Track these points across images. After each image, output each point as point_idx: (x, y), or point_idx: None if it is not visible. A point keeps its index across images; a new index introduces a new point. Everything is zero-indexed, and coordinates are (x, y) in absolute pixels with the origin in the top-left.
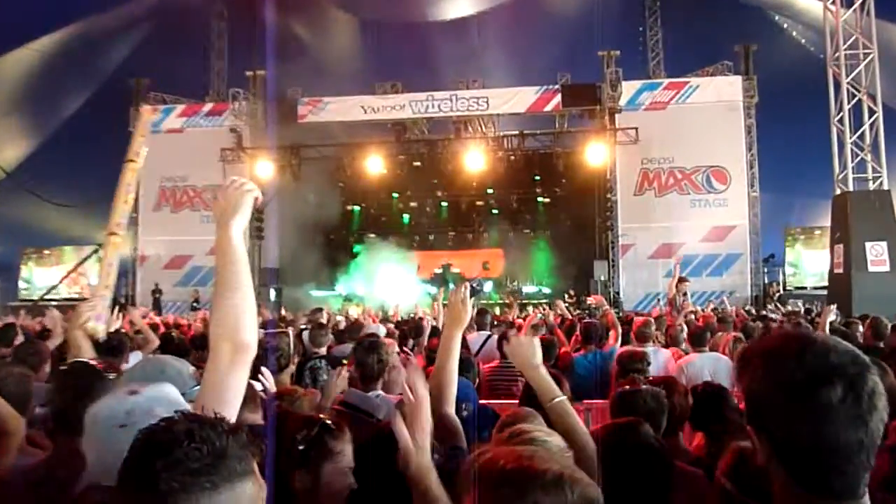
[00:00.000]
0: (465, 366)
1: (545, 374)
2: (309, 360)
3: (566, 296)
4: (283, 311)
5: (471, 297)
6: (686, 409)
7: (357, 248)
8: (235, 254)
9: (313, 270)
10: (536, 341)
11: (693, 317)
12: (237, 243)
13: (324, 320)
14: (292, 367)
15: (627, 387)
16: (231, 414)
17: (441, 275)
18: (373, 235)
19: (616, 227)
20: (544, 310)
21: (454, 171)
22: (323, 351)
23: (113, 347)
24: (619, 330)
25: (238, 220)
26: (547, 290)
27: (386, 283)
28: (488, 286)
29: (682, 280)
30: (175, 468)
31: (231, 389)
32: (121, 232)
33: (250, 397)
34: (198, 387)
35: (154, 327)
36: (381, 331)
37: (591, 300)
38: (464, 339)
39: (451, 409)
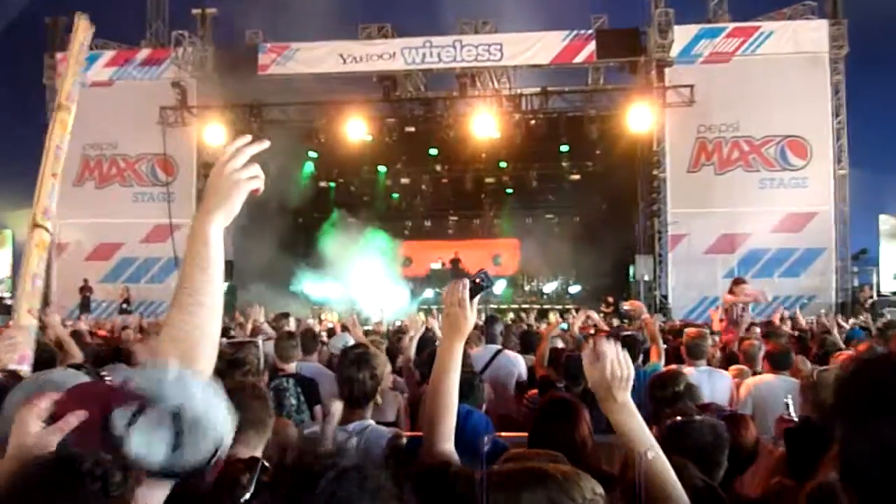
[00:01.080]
0: (467, 388)
1: (634, 410)
2: (273, 380)
3: (603, 304)
4: (237, 317)
5: (473, 296)
6: (754, 449)
7: (330, 235)
8: (210, 258)
9: (274, 265)
10: (621, 357)
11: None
12: (215, 244)
13: (291, 327)
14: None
15: (679, 417)
16: None
17: (440, 272)
18: (352, 220)
19: (664, 212)
20: (571, 317)
21: (458, 138)
22: (291, 367)
23: (42, 363)
24: (661, 344)
25: (222, 215)
26: (574, 289)
27: (367, 282)
28: (500, 286)
29: (738, 282)
30: None
31: None
32: (48, 224)
33: (256, 422)
34: None
35: (77, 336)
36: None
37: (627, 305)
38: (465, 354)
39: (449, 444)
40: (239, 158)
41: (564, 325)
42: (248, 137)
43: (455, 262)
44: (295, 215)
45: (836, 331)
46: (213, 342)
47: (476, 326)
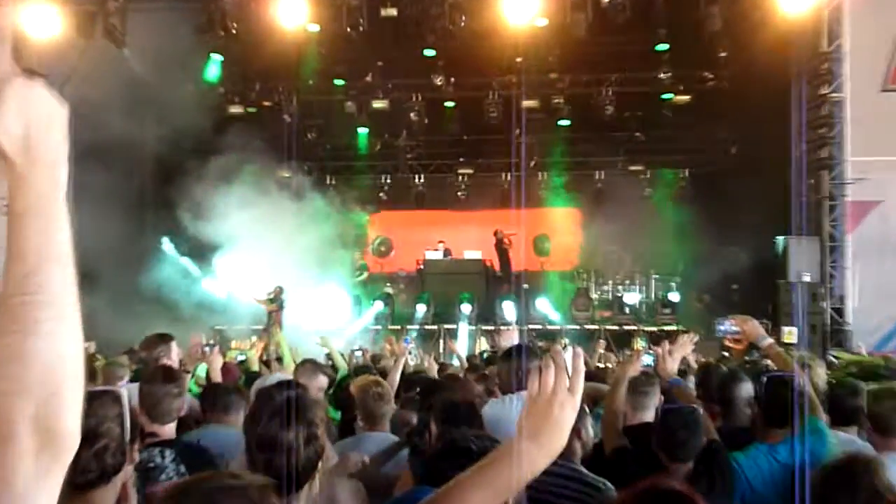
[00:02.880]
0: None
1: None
2: (143, 450)
3: (726, 326)
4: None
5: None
6: None
7: (244, 201)
8: (60, 225)
9: (141, 250)
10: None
11: None
12: (53, 202)
13: (172, 361)
14: (127, 471)
15: None
16: None
17: (441, 268)
18: (284, 175)
19: (840, 163)
20: (666, 346)
21: (473, 30)
22: (169, 430)
23: None
24: (809, 389)
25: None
26: (675, 297)
27: (305, 284)
28: (544, 304)
29: None
30: None
31: None
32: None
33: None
34: None
35: None
36: (320, 383)
37: (727, 323)
38: (472, 406)
39: None
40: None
41: (649, 359)
42: None
43: (501, 240)
44: (183, 164)
45: None
46: (79, 376)
47: (495, 359)
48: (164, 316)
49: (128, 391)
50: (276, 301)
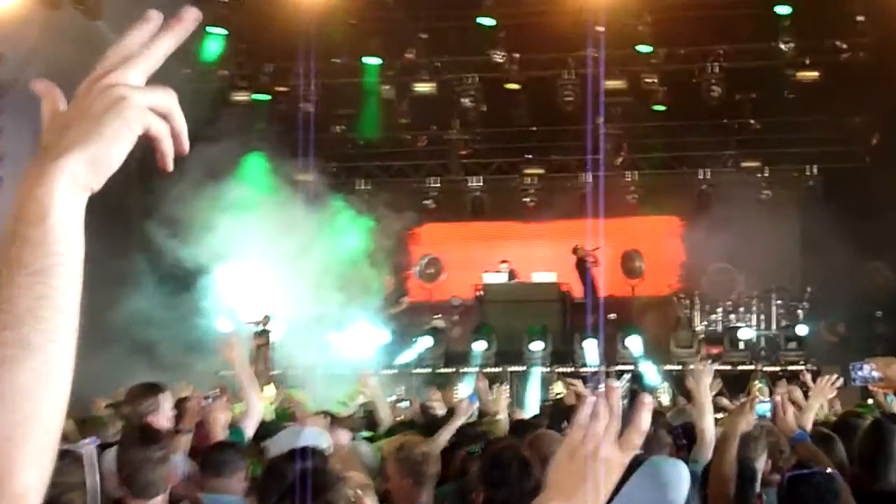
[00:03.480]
0: None
1: None
2: None
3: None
4: None
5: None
6: None
7: (253, 208)
8: (57, 251)
9: (125, 270)
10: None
11: None
12: (68, 224)
13: (163, 417)
14: None
15: None
16: None
17: (506, 294)
18: (304, 176)
19: None
20: (795, 387)
21: None
22: None
23: None
24: None
25: (84, 164)
26: (803, 330)
27: (327, 316)
28: (635, 339)
29: None
30: None
31: None
32: None
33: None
34: None
35: None
36: (324, 441)
37: (866, 367)
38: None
39: None
40: (141, 61)
41: (766, 407)
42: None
43: (581, 264)
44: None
45: None
46: (50, 428)
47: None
48: (145, 357)
49: (91, 452)
50: (263, 333)
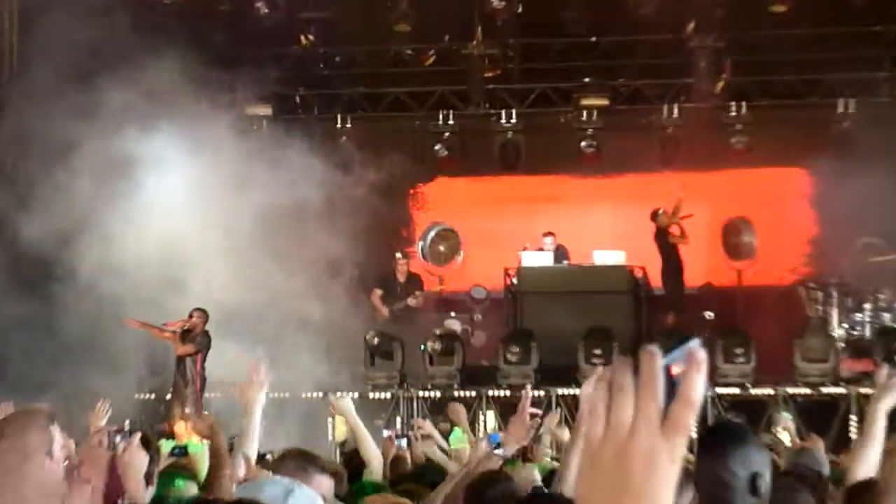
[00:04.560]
0: None
1: None
2: None
3: None
4: None
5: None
6: None
7: (168, 149)
8: None
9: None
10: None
11: None
12: None
13: (52, 460)
14: None
15: None
16: None
17: (551, 278)
18: (257, 111)
19: None
20: None
21: None
22: None
23: None
24: None
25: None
26: None
27: (289, 314)
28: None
29: None
30: None
31: None
32: None
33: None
34: None
35: None
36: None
37: None
38: None
39: None
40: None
41: None
42: None
43: (663, 236)
44: (55, 95)
45: None
46: None
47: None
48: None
49: None
50: (192, 339)
